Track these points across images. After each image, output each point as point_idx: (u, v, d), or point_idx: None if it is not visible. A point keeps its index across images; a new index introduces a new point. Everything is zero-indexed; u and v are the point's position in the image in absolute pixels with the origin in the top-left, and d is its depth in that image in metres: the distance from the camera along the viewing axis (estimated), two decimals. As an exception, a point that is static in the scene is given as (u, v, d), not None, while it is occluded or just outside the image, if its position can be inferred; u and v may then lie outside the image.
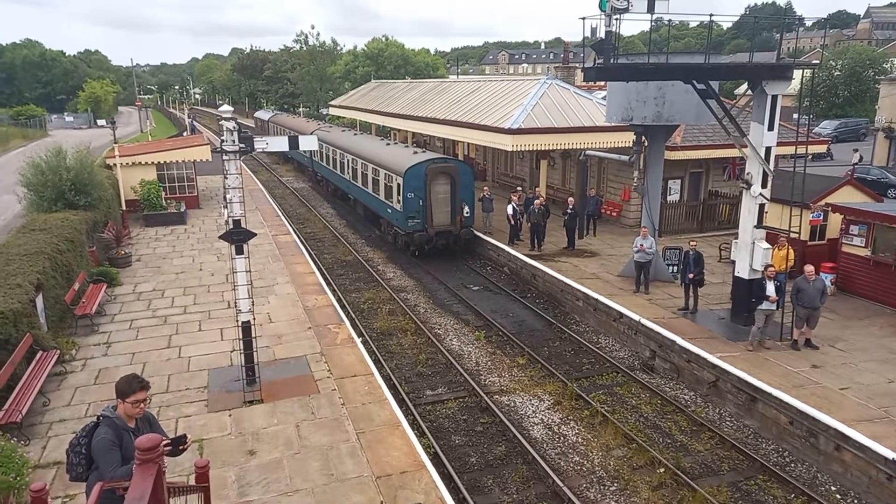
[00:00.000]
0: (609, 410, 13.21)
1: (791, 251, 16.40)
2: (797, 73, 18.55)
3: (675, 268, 19.19)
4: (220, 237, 11.53)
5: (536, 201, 22.96)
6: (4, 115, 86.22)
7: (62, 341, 14.17)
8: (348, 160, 31.06)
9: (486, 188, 26.10)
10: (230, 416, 11.26)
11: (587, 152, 23.10)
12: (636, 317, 16.03)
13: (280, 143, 11.49)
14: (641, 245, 18.04)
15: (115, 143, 27.79)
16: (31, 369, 12.05)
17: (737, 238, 15.55)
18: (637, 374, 14.88)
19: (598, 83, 27.03)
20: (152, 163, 28.21)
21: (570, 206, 22.57)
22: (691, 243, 17.03)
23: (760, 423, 12.48)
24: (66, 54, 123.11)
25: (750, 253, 15.05)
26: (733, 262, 15.86)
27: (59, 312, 15.30)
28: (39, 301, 13.91)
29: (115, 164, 26.27)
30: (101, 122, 79.10)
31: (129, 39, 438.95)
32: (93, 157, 23.44)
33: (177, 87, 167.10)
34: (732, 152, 23.67)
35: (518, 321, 18.34)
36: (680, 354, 14.48)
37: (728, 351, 13.99)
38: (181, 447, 5.34)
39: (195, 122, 69.58)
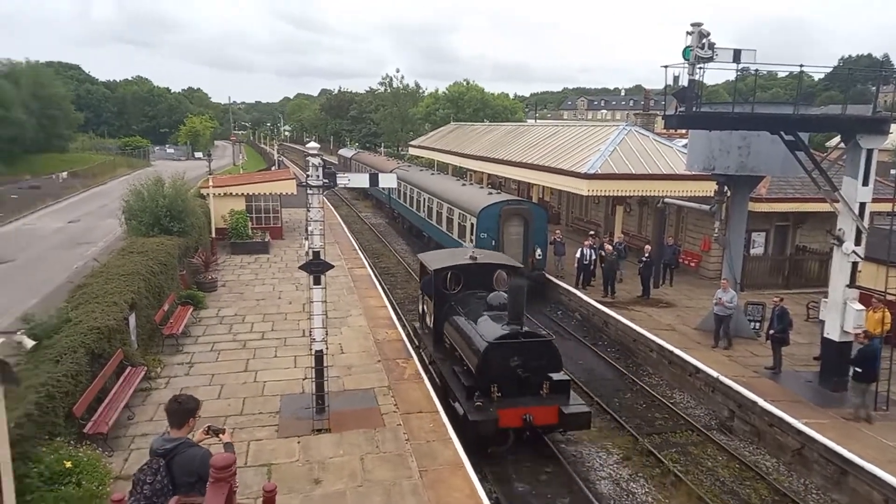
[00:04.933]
0: (682, 471, 12.54)
1: (888, 314, 15.29)
2: (895, 127, 17.60)
3: (757, 324, 18.27)
4: (299, 267, 11.56)
5: (607, 247, 22.50)
6: (113, 145, 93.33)
7: (149, 359, 14.76)
8: (424, 198, 31.36)
9: (558, 231, 25.87)
10: (299, 442, 11.39)
11: (666, 200, 22.34)
12: (714, 373, 15.35)
13: (361, 180, 11.75)
14: (720, 298, 17.32)
15: (210, 174, 29.23)
16: (119, 383, 12.58)
17: (826, 297, 14.68)
18: (714, 435, 14.11)
19: (678, 131, 26.28)
20: (242, 194, 29.36)
21: (647, 254, 21.94)
22: (774, 299, 16.19)
23: (851, 498, 11.54)
24: (171, 91, 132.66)
25: (841, 313, 14.13)
26: (822, 322, 14.95)
27: (148, 331, 15.95)
28: (132, 319, 14.58)
29: (208, 194, 27.28)
30: (198, 154, 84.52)
31: (228, 79, 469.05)
32: (188, 187, 24.42)
33: (268, 125, 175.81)
34: (822, 206, 22.56)
35: (588, 369, 17.81)
36: (762, 417, 13.68)
37: (815, 417, 13.10)
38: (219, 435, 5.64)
39: (283, 158, 72.67)
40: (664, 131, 27.57)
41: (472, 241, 23.49)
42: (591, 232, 27.02)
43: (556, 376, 12.49)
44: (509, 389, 12.21)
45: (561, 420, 12.21)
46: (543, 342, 12.59)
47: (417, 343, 17.23)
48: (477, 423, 11.58)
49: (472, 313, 13.88)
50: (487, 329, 12.76)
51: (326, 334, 11.82)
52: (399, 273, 28.82)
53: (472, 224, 23.59)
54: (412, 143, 55.32)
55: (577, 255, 23.12)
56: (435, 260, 16.09)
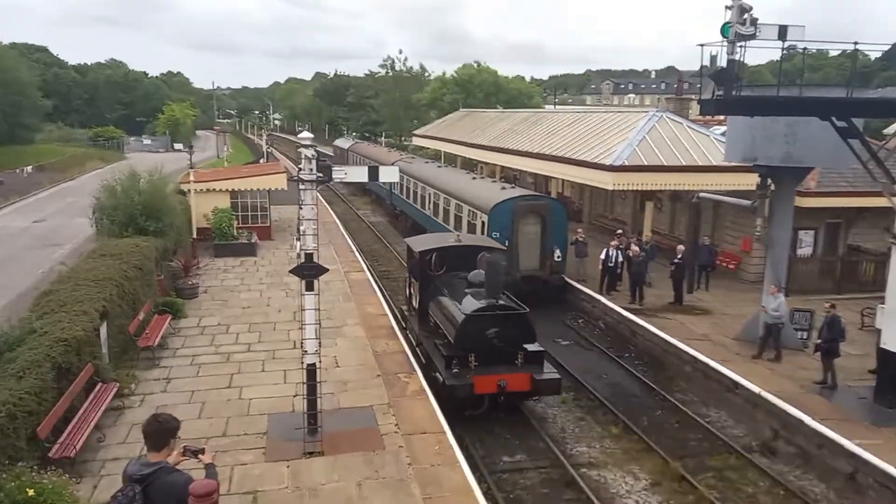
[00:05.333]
0: (720, 497, 12.45)
1: (952, 321, 15.04)
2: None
3: (804, 333, 18.19)
4: (290, 271, 11.70)
5: (633, 248, 22.40)
6: (84, 135, 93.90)
7: (122, 374, 14.76)
8: (430, 194, 31.48)
9: (580, 230, 25.74)
10: (288, 467, 11.40)
11: (701, 195, 22.13)
12: (756, 388, 15.29)
13: (359, 174, 11.66)
14: (766, 306, 17.22)
15: (191, 167, 29.24)
16: (89, 401, 12.56)
17: (883, 303, 14.55)
18: (755, 458, 14.02)
19: (716, 118, 26.48)
20: (226, 190, 29.17)
21: (679, 256, 21.82)
22: (825, 305, 16.06)
23: (910, 529, 11.39)
24: (149, 75, 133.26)
25: (900, 321, 13.99)
26: (878, 330, 14.84)
27: (121, 343, 15.95)
28: (103, 330, 14.59)
29: (189, 190, 27.16)
30: (178, 145, 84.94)
31: (212, 61, 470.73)
32: (166, 181, 24.41)
33: (256, 112, 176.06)
34: (879, 201, 22.28)
35: (612, 383, 17.81)
36: (809, 437, 13.60)
37: (870, 437, 12.98)
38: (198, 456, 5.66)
39: (273, 150, 72.80)
40: (700, 118, 27.46)
41: None
42: (618, 231, 26.81)
43: (529, 347, 14.62)
44: (486, 358, 14.32)
45: (533, 386, 14.36)
46: (518, 314, 14.78)
47: (404, 325, 19.00)
48: (454, 387, 13.71)
49: (454, 292, 15.96)
50: (466, 303, 14.95)
51: (320, 346, 11.78)
52: (401, 277, 28.44)
53: (482, 222, 23.70)
54: (416, 132, 55.39)
55: (602, 256, 23.05)
56: (420, 243, 18.22)
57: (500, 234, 23.11)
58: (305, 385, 12.05)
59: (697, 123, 27.02)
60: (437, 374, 14.53)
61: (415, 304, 17.96)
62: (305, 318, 11.53)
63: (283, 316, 19.64)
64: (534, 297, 22.24)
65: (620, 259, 23.09)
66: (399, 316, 20.33)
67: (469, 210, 25.44)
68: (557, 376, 14.59)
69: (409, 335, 18.19)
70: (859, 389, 15.28)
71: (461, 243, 17.76)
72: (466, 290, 15.61)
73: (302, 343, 11.79)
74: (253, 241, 28.24)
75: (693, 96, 26.05)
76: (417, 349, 16.97)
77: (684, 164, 23.77)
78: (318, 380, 12.03)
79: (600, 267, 23.05)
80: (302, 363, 11.97)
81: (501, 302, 14.86)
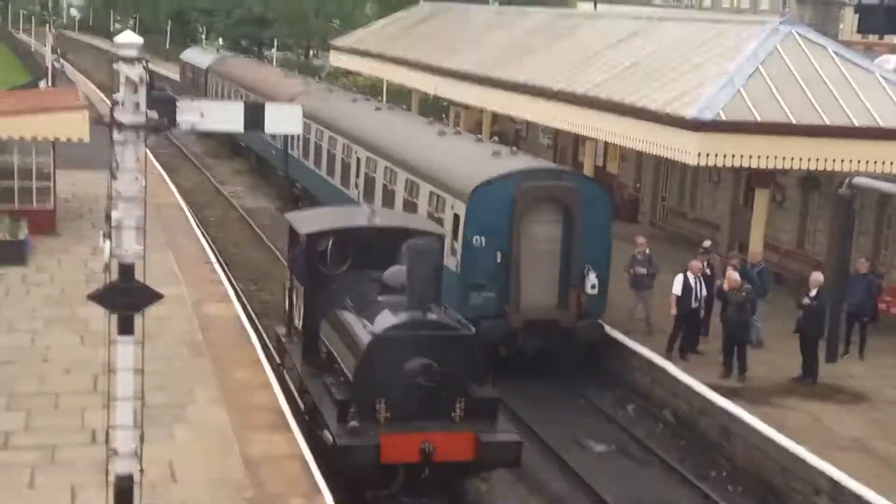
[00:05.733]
0: None
1: None
2: None
3: None
4: (90, 297, 8.58)
5: (731, 274, 17.33)
6: None
7: None
8: (360, 159, 24.98)
9: (640, 240, 19.95)
10: None
11: (856, 181, 17.35)
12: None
13: (228, 116, 8.48)
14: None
15: None
16: None
17: None
18: None
19: (884, 38, 22.96)
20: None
21: (814, 292, 16.64)
22: None
23: None
24: None
25: None
26: None
27: None
28: None
29: None
30: None
31: None
32: None
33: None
34: None
35: None
36: None
37: None
38: None
39: (65, 63, 58.32)
40: (858, 39, 24.00)
41: (454, 250, 18.36)
42: (705, 243, 20.54)
43: (476, 392, 12.34)
44: (403, 408, 11.82)
45: (479, 453, 11.99)
46: (459, 337, 12.56)
47: (280, 361, 16.73)
48: (348, 449, 11.53)
49: (361, 302, 13.56)
50: (377, 319, 12.58)
51: (142, 441, 8.52)
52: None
53: (455, 216, 18.34)
54: (337, 41, 44.20)
55: (675, 289, 17.57)
56: (310, 221, 15.70)
57: (487, 241, 17.66)
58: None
59: (853, 49, 22.10)
60: (326, 432, 12.13)
61: (297, 322, 15.45)
62: (117, 387, 8.55)
63: (73, 381, 15.84)
64: (547, 360, 18.38)
65: (705, 293, 17.91)
66: (296, 389, 16.37)
67: (431, 193, 19.68)
68: (517, 438, 12.42)
69: (287, 376, 15.96)
70: None
71: (375, 224, 14.92)
72: (380, 299, 13.12)
73: (107, 436, 8.64)
74: (21, 236, 21.34)
75: (846, 0, 22.92)
76: (300, 399, 14.84)
77: (828, 123, 18.53)
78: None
79: (672, 310, 17.58)
80: (107, 475, 8.65)
81: (433, 317, 12.21)
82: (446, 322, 12.62)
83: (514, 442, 12.11)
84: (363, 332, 12.34)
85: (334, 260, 14.52)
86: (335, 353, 13.30)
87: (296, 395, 14.84)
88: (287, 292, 16.25)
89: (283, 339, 16.24)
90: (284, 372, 15.96)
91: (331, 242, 14.43)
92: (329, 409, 12.29)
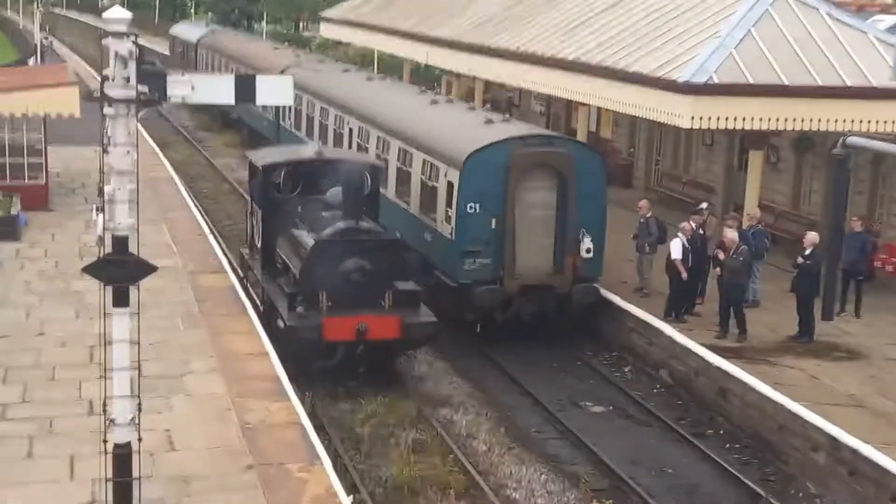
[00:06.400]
0: None
1: None
2: None
3: None
4: (84, 270, 8.75)
5: (727, 234, 17.53)
6: None
7: None
8: (353, 129, 25.06)
9: (643, 204, 20.27)
10: None
11: (850, 140, 17.06)
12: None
13: (219, 89, 8.77)
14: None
15: None
16: None
17: None
18: None
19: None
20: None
21: (809, 251, 16.93)
22: None
23: None
24: None
25: None
26: None
27: None
28: None
29: None
30: None
31: None
32: None
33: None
34: None
35: (684, 485, 14.45)
36: None
37: None
38: None
39: (53, 40, 57.48)
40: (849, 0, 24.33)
41: (448, 217, 18.66)
42: (701, 205, 20.70)
43: (401, 285, 14.72)
44: (342, 298, 14.29)
45: (403, 333, 14.39)
46: (386, 242, 15.22)
47: (243, 275, 18.94)
48: (295, 328, 13.91)
49: (307, 218, 16.07)
50: (318, 228, 15.10)
51: (140, 411, 8.70)
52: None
53: (449, 183, 18.37)
54: (327, 13, 44.25)
55: (674, 253, 17.67)
56: (266, 156, 18.29)
57: (482, 207, 17.87)
58: (111, 484, 8.72)
59: (845, 9, 22.18)
60: (279, 320, 14.62)
61: (257, 241, 17.76)
62: (113, 358, 8.63)
63: (69, 354, 15.98)
64: (544, 323, 18.76)
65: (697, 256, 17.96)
66: (258, 296, 18.29)
67: (424, 161, 19.63)
68: (434, 320, 14.76)
69: (252, 291, 18.07)
70: None
71: (322, 157, 17.44)
72: (323, 214, 15.61)
73: (104, 406, 8.85)
74: (15, 211, 21.46)
75: (840, -45, 22.18)
76: (260, 302, 16.99)
77: (821, 83, 18.75)
78: (134, 474, 8.85)
79: (683, 275, 17.76)
80: (102, 444, 8.80)
81: (365, 225, 14.83)
82: (376, 230, 15.21)
83: (432, 322, 14.60)
84: (308, 239, 14.97)
85: (287, 187, 17.34)
86: (287, 261, 15.68)
87: (256, 299, 17.19)
88: (248, 217, 18.92)
89: (246, 257, 18.95)
90: (248, 284, 18.34)
91: (283, 172, 17.27)
92: (281, 301, 14.79)
